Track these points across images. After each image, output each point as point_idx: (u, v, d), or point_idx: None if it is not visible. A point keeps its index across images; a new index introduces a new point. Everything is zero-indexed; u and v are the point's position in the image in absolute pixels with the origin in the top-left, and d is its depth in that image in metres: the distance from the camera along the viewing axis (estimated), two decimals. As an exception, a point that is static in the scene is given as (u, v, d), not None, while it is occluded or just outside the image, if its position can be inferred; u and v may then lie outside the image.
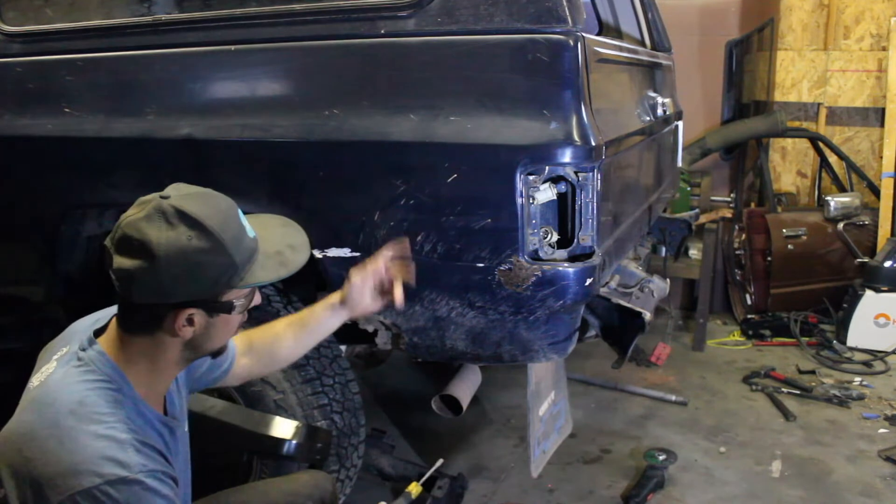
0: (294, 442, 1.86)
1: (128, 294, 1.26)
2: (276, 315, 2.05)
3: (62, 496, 1.17)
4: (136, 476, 1.20)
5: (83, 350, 1.33)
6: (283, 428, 1.88)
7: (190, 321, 1.30)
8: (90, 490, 1.17)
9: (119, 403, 1.28)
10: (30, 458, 1.20)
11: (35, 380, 1.33)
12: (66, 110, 2.08)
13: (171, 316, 1.28)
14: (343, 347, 2.27)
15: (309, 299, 2.27)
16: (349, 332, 2.02)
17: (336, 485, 2.03)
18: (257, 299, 1.43)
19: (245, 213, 1.39)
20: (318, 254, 1.86)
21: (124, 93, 2.04)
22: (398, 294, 1.61)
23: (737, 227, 4.56)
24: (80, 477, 1.17)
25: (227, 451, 1.96)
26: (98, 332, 1.38)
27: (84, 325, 1.43)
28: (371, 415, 2.85)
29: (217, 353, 1.44)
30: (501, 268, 1.72)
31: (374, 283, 1.62)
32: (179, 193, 1.28)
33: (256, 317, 2.02)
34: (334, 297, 1.66)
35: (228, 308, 1.33)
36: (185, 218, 1.24)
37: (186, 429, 1.53)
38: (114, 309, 1.43)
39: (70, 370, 1.30)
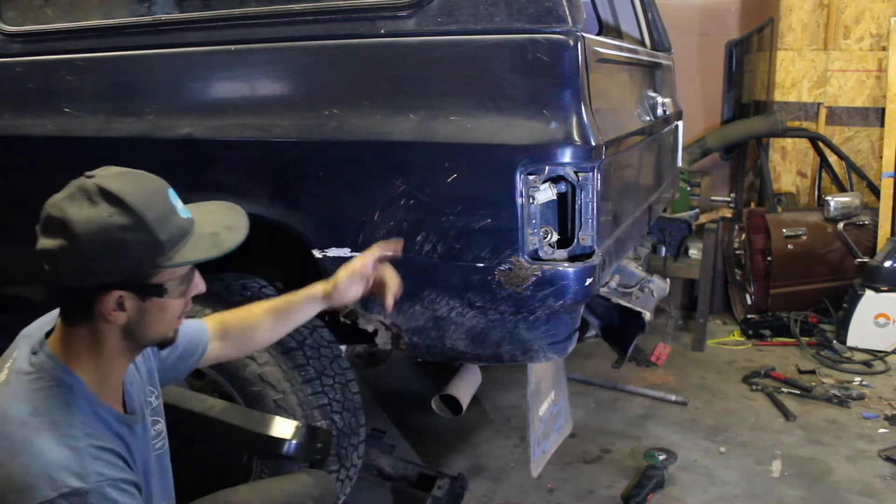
0: (294, 442, 1.85)
1: (55, 277, 1.24)
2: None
3: None
4: (93, 486, 1.17)
5: (34, 354, 1.30)
6: (283, 428, 1.87)
7: (121, 305, 1.26)
8: None
9: (73, 407, 1.25)
10: None
11: None
12: (66, 110, 2.08)
13: (101, 299, 1.25)
14: (343, 347, 2.27)
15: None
16: (349, 332, 2.02)
17: (336, 485, 2.03)
18: (200, 287, 1.39)
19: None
20: (318, 254, 1.86)
21: (124, 93, 2.05)
22: (389, 301, 1.65)
23: (737, 227, 4.56)
24: (33, 491, 1.15)
25: (227, 451, 1.96)
26: (49, 333, 1.35)
27: (32, 330, 1.39)
28: (371, 415, 2.85)
29: (163, 344, 1.40)
30: (501, 268, 1.72)
31: (360, 282, 1.64)
32: (105, 173, 1.26)
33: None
34: (316, 289, 1.67)
35: (160, 291, 1.29)
36: (106, 195, 1.22)
37: (156, 425, 1.50)
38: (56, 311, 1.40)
39: (20, 379, 1.27)
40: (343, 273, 1.63)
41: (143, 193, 1.26)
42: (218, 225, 1.36)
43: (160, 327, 1.34)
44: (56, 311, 1.38)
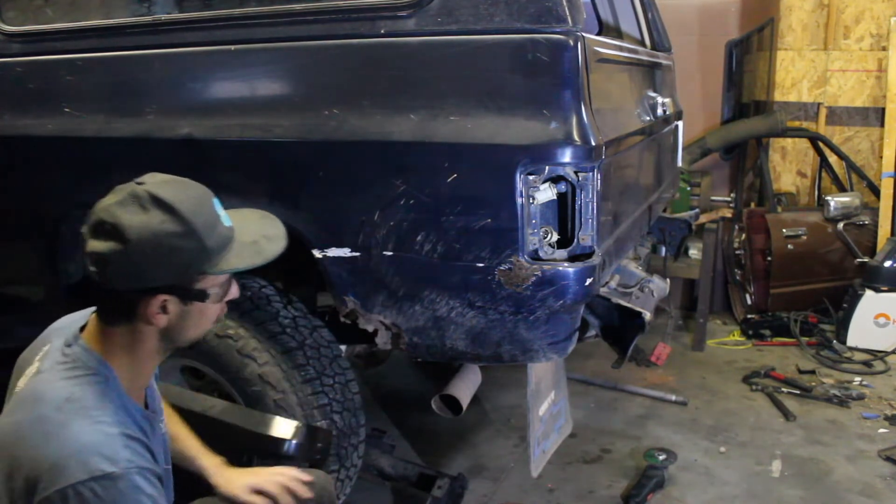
0: (294, 442, 1.86)
1: (102, 279, 1.27)
2: (275, 315, 2.05)
3: (48, 491, 1.17)
4: (123, 472, 1.20)
5: (68, 346, 1.33)
6: (283, 428, 1.88)
7: (164, 308, 1.31)
8: (75, 486, 1.16)
9: (106, 396, 1.28)
10: (18, 456, 1.21)
11: (20, 382, 1.33)
12: (66, 110, 2.08)
13: (145, 302, 1.29)
14: (343, 347, 2.27)
15: (309, 299, 2.27)
16: (349, 331, 2.02)
17: (335, 485, 2.03)
18: (235, 292, 1.43)
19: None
20: (318, 254, 1.86)
21: (124, 93, 2.05)
22: None
23: (737, 227, 4.56)
24: (66, 472, 1.17)
25: (226, 451, 1.96)
26: (82, 329, 1.38)
27: (64, 324, 1.43)
28: (371, 415, 2.85)
29: (192, 346, 1.46)
30: (501, 268, 1.72)
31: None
32: (155, 180, 1.31)
33: (257, 316, 2.03)
34: (215, 476, 1.64)
35: (202, 296, 1.34)
36: (158, 202, 1.27)
37: (164, 427, 1.52)
38: (87, 310, 1.44)
39: (55, 367, 1.30)
40: (244, 495, 1.61)
41: (192, 202, 1.31)
42: (256, 234, 1.42)
43: (197, 330, 1.39)
44: (89, 309, 1.42)
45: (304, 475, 1.67)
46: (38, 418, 1.23)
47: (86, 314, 1.42)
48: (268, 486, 1.62)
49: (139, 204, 1.27)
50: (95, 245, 1.26)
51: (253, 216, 1.50)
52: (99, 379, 1.29)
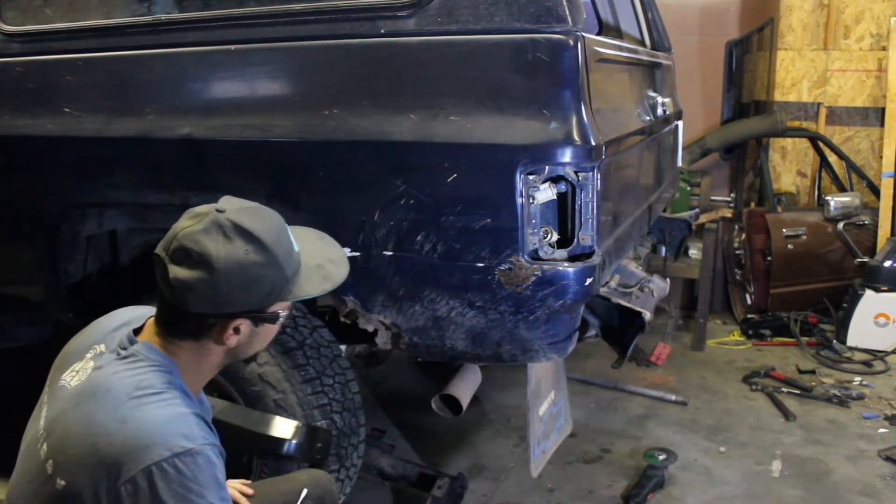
0: (294, 442, 1.86)
1: (182, 302, 1.29)
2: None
3: (133, 471, 1.19)
4: (200, 448, 1.23)
5: (123, 348, 1.35)
6: (283, 428, 1.88)
7: (237, 330, 1.35)
8: (160, 463, 1.19)
9: (172, 384, 1.31)
10: (95, 443, 1.22)
11: (67, 377, 1.34)
12: (66, 110, 2.08)
13: (221, 325, 1.33)
14: (343, 347, 2.27)
15: (306, 300, 2.27)
16: (349, 332, 2.02)
17: (336, 485, 2.03)
18: (289, 312, 1.47)
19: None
20: (318, 254, 1.86)
21: (124, 93, 2.05)
22: None
23: (737, 226, 4.57)
24: (149, 451, 1.20)
25: (226, 450, 1.96)
26: (136, 332, 1.40)
27: (111, 325, 1.44)
28: (371, 415, 2.85)
29: (249, 360, 1.50)
30: (501, 267, 1.72)
31: None
32: (233, 207, 1.33)
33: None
34: None
35: (274, 319, 1.39)
36: (242, 232, 1.29)
37: None
38: (137, 309, 1.48)
39: (116, 362, 1.32)
40: None
41: (273, 231, 1.34)
42: (320, 257, 1.46)
43: (258, 348, 1.44)
44: (132, 310, 1.46)
45: (248, 489, 1.69)
46: (112, 405, 1.25)
47: (137, 314, 1.45)
48: None
49: (223, 233, 1.28)
50: (179, 272, 1.28)
51: (311, 236, 1.52)
52: (164, 370, 1.32)
